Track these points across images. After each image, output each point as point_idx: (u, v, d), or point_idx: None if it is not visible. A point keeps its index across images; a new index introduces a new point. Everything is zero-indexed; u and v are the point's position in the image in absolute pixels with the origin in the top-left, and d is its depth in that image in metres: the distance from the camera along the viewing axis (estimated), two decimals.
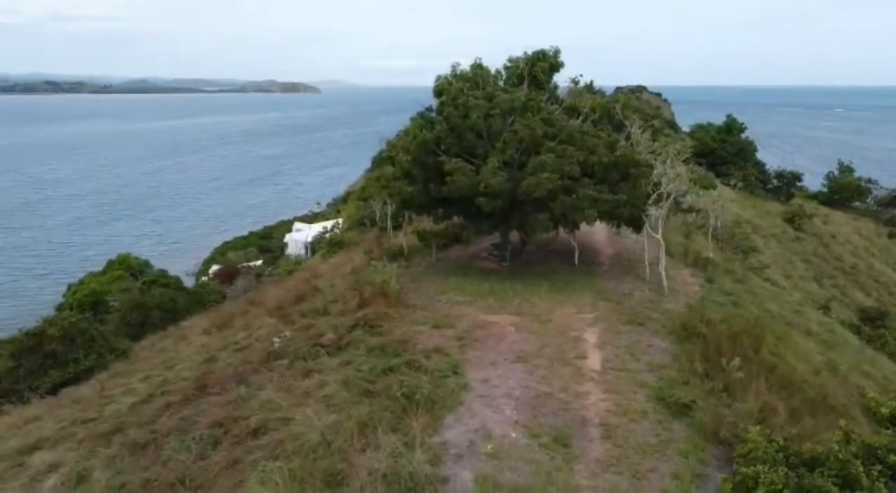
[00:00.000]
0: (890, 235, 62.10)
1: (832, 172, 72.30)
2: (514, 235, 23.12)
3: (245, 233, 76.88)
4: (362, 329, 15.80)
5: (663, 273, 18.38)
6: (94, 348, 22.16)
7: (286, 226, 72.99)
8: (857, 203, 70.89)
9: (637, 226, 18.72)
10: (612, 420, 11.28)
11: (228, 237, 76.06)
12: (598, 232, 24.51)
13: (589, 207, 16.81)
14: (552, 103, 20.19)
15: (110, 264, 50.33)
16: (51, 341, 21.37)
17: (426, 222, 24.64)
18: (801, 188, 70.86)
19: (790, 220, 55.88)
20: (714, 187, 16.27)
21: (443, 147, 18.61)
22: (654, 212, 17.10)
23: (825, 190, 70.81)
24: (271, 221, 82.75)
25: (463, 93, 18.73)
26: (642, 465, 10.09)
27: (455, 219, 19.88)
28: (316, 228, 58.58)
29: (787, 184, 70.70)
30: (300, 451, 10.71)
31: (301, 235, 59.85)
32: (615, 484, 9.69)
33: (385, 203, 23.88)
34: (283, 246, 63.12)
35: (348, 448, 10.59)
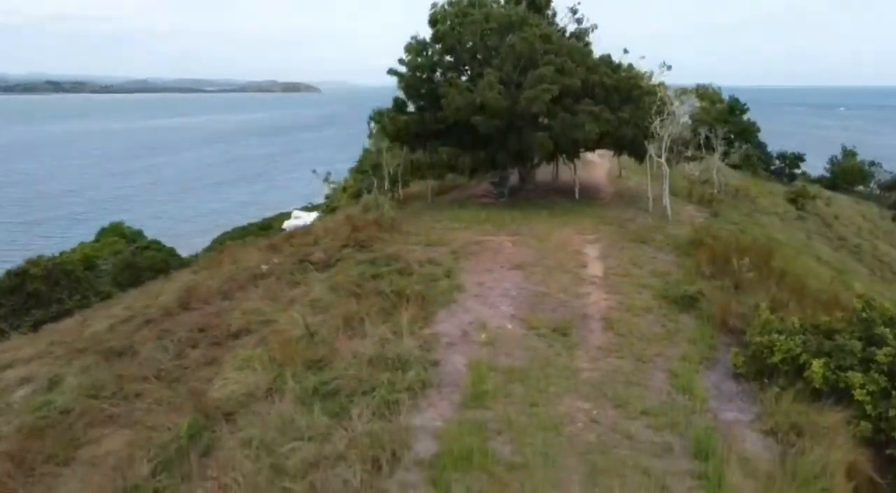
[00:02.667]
0: (894, 219, 61.17)
1: (835, 157, 71.32)
2: (514, 179, 22.45)
3: (245, 223, 75.58)
4: (353, 248, 15.11)
5: (667, 201, 17.68)
6: (79, 290, 21.51)
7: (285, 216, 72.09)
8: (860, 187, 69.91)
9: (640, 152, 17.98)
10: (615, 315, 10.62)
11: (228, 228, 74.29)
12: (598, 172, 23.82)
13: (590, 123, 16.06)
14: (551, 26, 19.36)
15: (102, 232, 49.56)
16: (33, 281, 20.70)
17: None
18: (804, 174, 69.88)
19: (793, 200, 54.87)
20: (722, 101, 15.34)
21: (438, 71, 17.85)
22: (660, 131, 16.37)
23: (828, 175, 69.82)
24: (270, 213, 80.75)
25: (458, 16, 17.91)
26: (647, 351, 9.43)
27: (451, 149, 19.10)
28: (314, 215, 58.00)
29: (789, 165, 69.78)
30: (282, 343, 10.05)
31: (300, 222, 59.23)
32: (618, 367, 9.03)
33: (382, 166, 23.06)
34: (282, 232, 62.28)
35: (333, 339, 9.92)
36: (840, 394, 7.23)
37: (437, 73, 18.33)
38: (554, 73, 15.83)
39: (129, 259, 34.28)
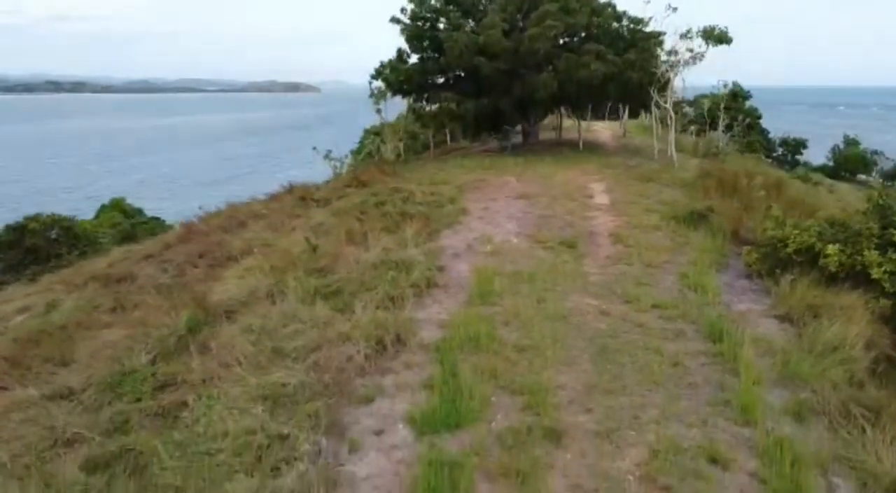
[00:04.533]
0: None
1: (837, 146, 70.78)
2: (518, 138, 22.21)
3: None
4: (355, 188, 14.91)
5: (673, 149, 17.44)
6: (78, 247, 21.32)
7: None
8: (862, 176, 69.45)
9: (646, 100, 17.71)
10: (623, 232, 10.41)
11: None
12: (602, 134, 23.61)
13: (595, 62, 15.80)
14: None
15: (103, 208, 49.27)
16: (32, 236, 20.50)
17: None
18: (805, 164, 69.35)
19: None
20: (729, 41, 15.18)
21: (441, 21, 17.59)
22: (667, 74, 16.10)
23: (830, 164, 69.29)
24: None
25: None
26: (657, 259, 9.24)
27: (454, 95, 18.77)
28: None
29: (791, 152, 69.32)
30: (284, 255, 9.87)
31: None
32: (626, 271, 8.84)
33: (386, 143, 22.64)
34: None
35: (336, 252, 9.73)
36: (856, 278, 7.04)
37: (441, 23, 18.05)
38: (558, 11, 15.57)
39: (129, 230, 34.01)
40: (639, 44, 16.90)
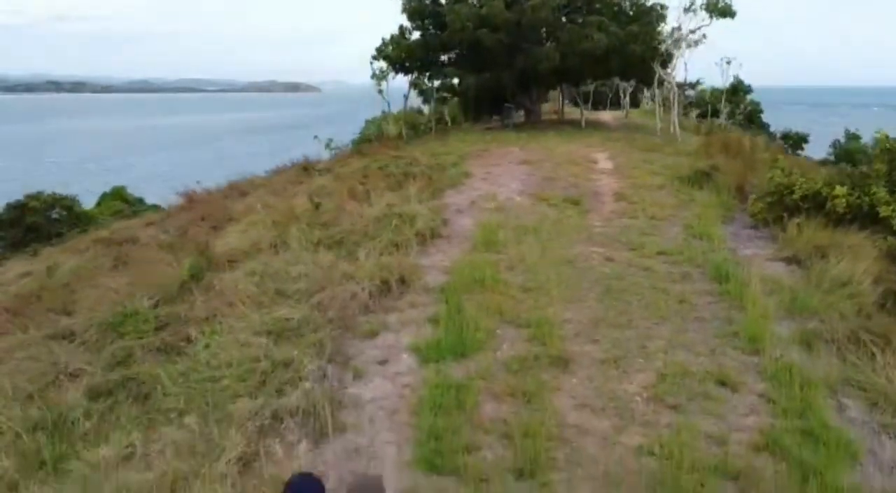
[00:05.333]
0: None
1: (838, 141, 70.49)
2: (520, 118, 22.12)
3: None
4: (357, 158, 14.85)
5: (676, 123, 17.36)
6: (79, 226, 21.23)
7: None
8: (864, 167, 69.08)
9: (648, 74, 17.60)
10: (628, 191, 10.36)
11: None
12: (604, 116, 23.54)
13: (597, 33, 15.70)
14: None
15: (104, 196, 49.17)
16: (33, 214, 20.44)
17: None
18: (807, 158, 69.01)
19: None
20: (732, 14, 15.07)
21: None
22: (671, 50, 15.99)
23: (832, 158, 68.95)
24: None
25: None
26: (661, 213, 9.18)
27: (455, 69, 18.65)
28: None
29: (792, 146, 69.04)
30: (287, 211, 9.82)
31: None
32: (631, 225, 8.79)
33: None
34: None
35: (339, 207, 9.68)
36: (864, 219, 6.98)
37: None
38: None
39: (129, 217, 33.94)
40: (641, 17, 16.81)
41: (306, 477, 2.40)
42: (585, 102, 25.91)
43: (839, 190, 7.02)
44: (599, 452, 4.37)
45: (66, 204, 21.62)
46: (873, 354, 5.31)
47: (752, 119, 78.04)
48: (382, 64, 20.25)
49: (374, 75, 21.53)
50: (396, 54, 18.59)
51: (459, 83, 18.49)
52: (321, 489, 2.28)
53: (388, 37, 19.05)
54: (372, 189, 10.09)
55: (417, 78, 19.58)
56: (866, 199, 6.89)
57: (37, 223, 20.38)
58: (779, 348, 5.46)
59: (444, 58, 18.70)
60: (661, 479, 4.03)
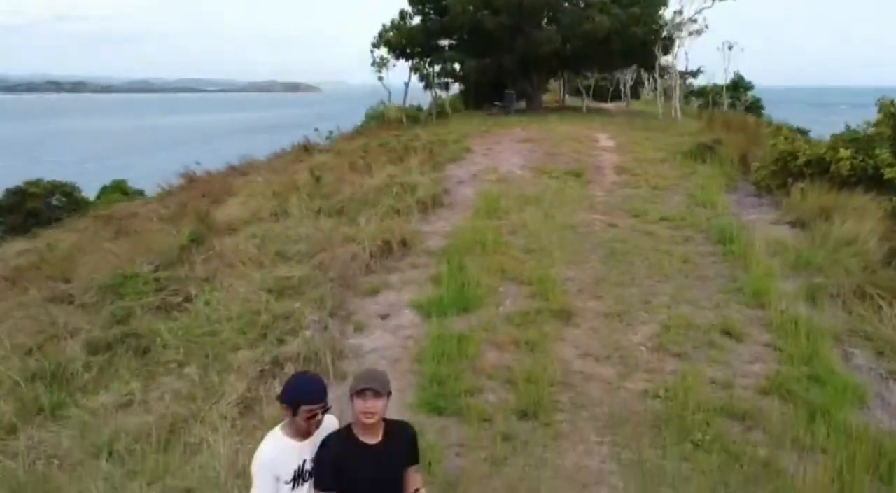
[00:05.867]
0: None
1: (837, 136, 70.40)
2: (521, 105, 22.03)
3: None
4: (358, 138, 14.79)
5: (678, 105, 17.28)
6: (79, 212, 21.17)
7: None
8: None
9: (650, 58, 17.51)
10: (629, 165, 10.30)
11: None
12: (605, 106, 23.45)
13: (598, 13, 15.61)
14: None
15: (104, 189, 49.09)
16: (33, 200, 20.38)
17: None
18: None
19: None
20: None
21: None
22: (673, 35, 15.92)
23: None
24: None
25: None
26: (663, 184, 9.14)
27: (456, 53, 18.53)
28: None
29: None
30: (287, 183, 9.77)
31: None
32: (633, 194, 8.75)
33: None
34: None
35: (339, 180, 9.62)
36: (868, 182, 6.93)
37: None
38: None
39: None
40: (642, 1, 16.71)
41: (308, 374, 2.37)
42: (587, 94, 25.85)
43: (843, 153, 6.97)
44: (604, 396, 4.32)
45: (66, 190, 21.55)
46: (880, 306, 5.27)
47: (753, 111, 77.81)
48: (383, 51, 20.18)
49: (374, 63, 21.42)
50: (397, 39, 18.52)
51: (460, 68, 18.39)
52: (322, 386, 2.23)
53: (388, 23, 19.01)
54: (373, 163, 10.04)
55: (418, 63, 19.49)
56: (871, 161, 6.84)
57: (36, 209, 20.31)
58: (784, 302, 5.41)
59: (445, 43, 18.59)
60: (666, 419, 3.99)
